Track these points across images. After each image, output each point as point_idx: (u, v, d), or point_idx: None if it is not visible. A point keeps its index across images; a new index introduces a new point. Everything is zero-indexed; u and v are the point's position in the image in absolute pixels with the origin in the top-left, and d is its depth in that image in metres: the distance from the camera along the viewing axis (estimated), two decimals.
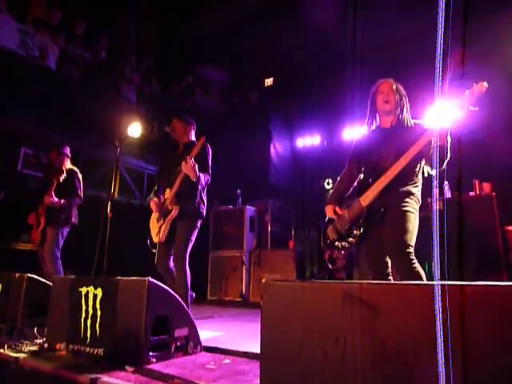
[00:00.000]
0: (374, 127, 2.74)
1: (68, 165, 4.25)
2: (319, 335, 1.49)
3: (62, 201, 4.04)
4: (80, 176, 4.27)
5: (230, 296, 6.23)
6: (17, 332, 2.82)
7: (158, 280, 2.36)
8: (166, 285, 2.49)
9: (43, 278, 3.15)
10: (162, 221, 3.35)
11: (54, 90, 5.52)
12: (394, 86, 2.63)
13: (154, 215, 3.48)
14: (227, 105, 8.64)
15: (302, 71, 7.83)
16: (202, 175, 3.24)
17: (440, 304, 1.11)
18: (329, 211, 2.71)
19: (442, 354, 1.09)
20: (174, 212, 3.29)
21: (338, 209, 2.67)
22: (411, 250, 2.36)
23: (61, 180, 3.95)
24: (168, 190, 3.40)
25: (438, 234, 1.38)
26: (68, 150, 4.31)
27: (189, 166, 3.10)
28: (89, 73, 6.23)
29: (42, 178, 4.46)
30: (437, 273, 1.24)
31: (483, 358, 1.12)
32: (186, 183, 3.26)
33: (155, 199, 3.46)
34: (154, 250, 3.40)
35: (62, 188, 4.02)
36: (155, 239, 3.38)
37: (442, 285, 1.14)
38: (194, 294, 3.38)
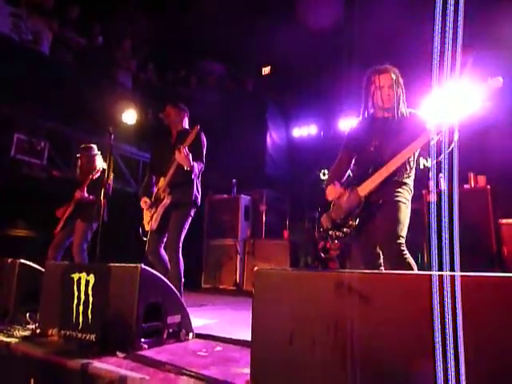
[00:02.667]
0: (369, 114, 2.66)
1: (100, 163, 4.46)
2: (310, 324, 1.50)
3: (91, 197, 4.24)
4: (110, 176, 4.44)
5: (224, 284, 6.25)
6: (9, 317, 2.82)
7: (149, 267, 2.35)
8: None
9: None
10: (154, 209, 3.34)
11: (47, 75, 5.44)
12: (394, 79, 2.51)
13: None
14: (224, 93, 8.57)
15: (299, 60, 7.77)
16: (195, 164, 3.22)
17: (437, 294, 1.11)
18: (331, 192, 2.60)
19: (440, 344, 1.09)
20: (166, 200, 3.28)
21: (338, 187, 2.56)
22: (402, 240, 2.35)
23: (95, 177, 4.22)
24: (162, 178, 3.38)
25: (435, 225, 1.38)
26: (95, 149, 4.50)
27: (182, 155, 3.08)
28: (83, 58, 6.14)
29: (75, 176, 4.63)
30: (434, 263, 1.24)
31: (480, 348, 1.13)
32: (180, 172, 3.24)
33: (145, 198, 3.43)
34: (144, 238, 3.39)
35: (93, 185, 4.24)
36: (147, 227, 3.38)
37: (439, 275, 1.14)
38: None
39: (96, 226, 4.32)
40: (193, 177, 3.32)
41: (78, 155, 4.59)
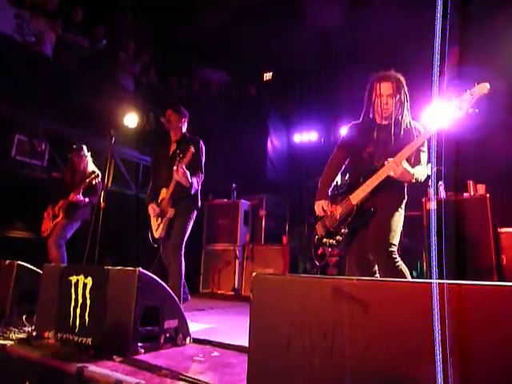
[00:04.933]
0: (368, 119, 2.64)
1: (91, 166, 4.51)
2: (308, 330, 1.49)
3: (87, 199, 4.30)
4: (100, 178, 4.46)
5: (223, 289, 6.23)
6: (5, 319, 2.80)
7: (163, 270, 2.38)
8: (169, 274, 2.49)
9: None
10: (160, 220, 3.46)
11: (49, 77, 5.44)
12: (394, 87, 2.47)
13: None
14: (226, 99, 8.58)
15: (301, 67, 7.80)
16: (194, 180, 3.33)
17: (438, 302, 1.10)
18: (318, 207, 2.67)
19: (440, 352, 1.08)
20: (170, 214, 3.40)
21: (328, 205, 2.63)
22: (394, 248, 2.34)
23: (92, 182, 4.27)
24: (164, 189, 3.47)
25: (434, 233, 1.37)
26: (85, 150, 4.53)
27: (180, 174, 3.20)
28: (86, 60, 6.15)
29: (65, 176, 4.62)
30: (434, 271, 1.24)
31: (479, 357, 1.12)
32: (181, 187, 3.35)
33: (153, 205, 3.52)
34: (155, 245, 3.53)
35: (86, 188, 4.29)
36: (156, 235, 3.50)
37: (439, 283, 1.14)
38: (189, 297, 3.51)
39: (77, 226, 4.40)
40: (193, 192, 3.41)
41: (69, 155, 4.60)
